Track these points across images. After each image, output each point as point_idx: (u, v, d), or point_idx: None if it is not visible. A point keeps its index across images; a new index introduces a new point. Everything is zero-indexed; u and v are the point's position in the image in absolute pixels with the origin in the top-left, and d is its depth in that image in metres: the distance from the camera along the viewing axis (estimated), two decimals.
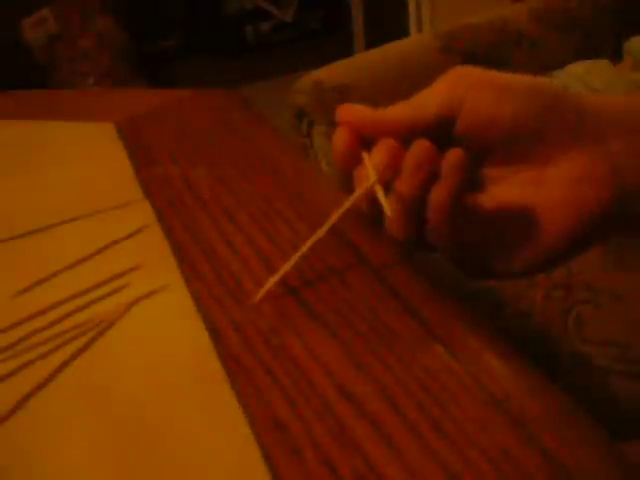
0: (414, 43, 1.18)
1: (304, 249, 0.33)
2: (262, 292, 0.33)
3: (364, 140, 0.34)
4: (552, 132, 0.32)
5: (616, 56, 1.19)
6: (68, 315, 0.33)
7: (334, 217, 0.34)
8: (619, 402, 0.66)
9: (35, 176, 0.48)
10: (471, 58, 1.10)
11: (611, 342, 0.68)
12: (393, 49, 1.14)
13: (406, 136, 0.33)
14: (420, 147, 0.31)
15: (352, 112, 0.35)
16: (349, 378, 0.28)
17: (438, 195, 0.31)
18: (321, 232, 0.33)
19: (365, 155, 0.34)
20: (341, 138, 0.34)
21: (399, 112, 0.34)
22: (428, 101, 0.33)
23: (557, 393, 0.27)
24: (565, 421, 0.26)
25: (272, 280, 0.33)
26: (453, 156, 0.31)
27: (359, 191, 0.33)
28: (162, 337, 0.32)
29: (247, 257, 0.36)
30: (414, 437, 0.25)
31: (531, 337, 0.71)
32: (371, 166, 0.33)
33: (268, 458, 0.25)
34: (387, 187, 0.33)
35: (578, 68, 1.11)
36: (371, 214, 0.34)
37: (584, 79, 1.08)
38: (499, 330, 0.31)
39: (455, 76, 0.33)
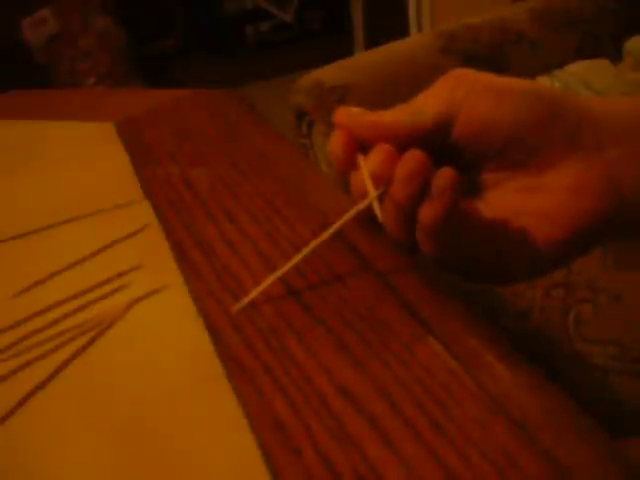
0: (414, 43, 1.18)
1: (289, 266, 0.33)
2: (243, 303, 0.32)
3: (361, 143, 0.34)
4: (549, 139, 0.32)
5: (616, 56, 1.19)
6: (68, 315, 0.33)
7: (324, 236, 0.33)
8: (618, 401, 0.66)
9: (35, 176, 0.48)
10: (471, 58, 1.10)
11: (610, 341, 0.68)
12: (393, 49, 1.14)
13: (403, 141, 0.33)
14: (412, 159, 0.31)
15: (349, 115, 0.34)
16: (348, 377, 0.28)
17: (427, 214, 0.31)
18: (306, 251, 0.33)
19: (361, 160, 0.34)
20: (338, 142, 0.34)
21: (397, 117, 0.33)
22: (426, 106, 0.33)
23: (557, 392, 0.27)
24: (565, 421, 0.26)
25: (254, 292, 0.32)
26: (443, 176, 0.30)
27: (354, 209, 0.33)
28: (162, 337, 0.32)
29: (247, 257, 0.36)
30: (413, 436, 0.25)
31: (530, 336, 0.71)
32: (367, 173, 0.33)
33: (268, 457, 0.25)
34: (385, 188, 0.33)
35: (578, 68, 1.11)
36: (370, 214, 0.34)
37: (584, 79, 1.08)
38: (499, 329, 0.31)
39: (453, 80, 0.33)
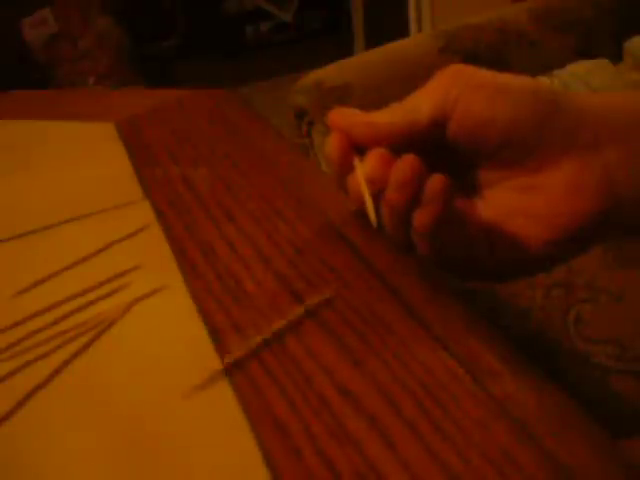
0: (414, 43, 1.18)
1: (278, 326, 0.31)
2: (231, 357, 0.30)
3: (357, 144, 0.34)
4: (546, 137, 0.31)
5: (616, 56, 1.19)
6: (68, 315, 0.33)
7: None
8: (618, 401, 0.66)
9: (35, 176, 0.48)
10: (471, 58, 1.10)
11: (611, 341, 0.68)
12: (393, 49, 1.14)
13: (399, 140, 0.33)
14: (406, 164, 0.31)
15: (344, 117, 0.34)
16: (348, 377, 0.28)
17: (419, 219, 0.31)
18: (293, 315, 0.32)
19: (357, 163, 0.34)
20: (333, 144, 0.34)
21: (391, 116, 0.33)
22: (421, 104, 0.33)
23: (557, 392, 0.27)
24: (565, 420, 0.26)
25: (241, 349, 0.30)
26: (434, 182, 0.30)
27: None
28: (162, 337, 0.32)
29: (247, 257, 0.36)
30: (413, 436, 0.25)
31: (530, 336, 0.71)
32: (362, 179, 0.33)
33: (268, 457, 0.25)
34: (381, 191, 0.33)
35: (578, 68, 1.11)
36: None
37: (584, 79, 1.08)
38: (499, 329, 0.31)
39: (450, 76, 0.33)
